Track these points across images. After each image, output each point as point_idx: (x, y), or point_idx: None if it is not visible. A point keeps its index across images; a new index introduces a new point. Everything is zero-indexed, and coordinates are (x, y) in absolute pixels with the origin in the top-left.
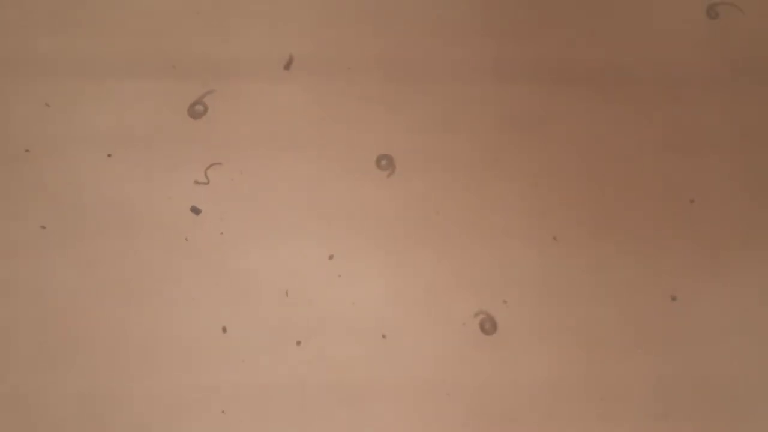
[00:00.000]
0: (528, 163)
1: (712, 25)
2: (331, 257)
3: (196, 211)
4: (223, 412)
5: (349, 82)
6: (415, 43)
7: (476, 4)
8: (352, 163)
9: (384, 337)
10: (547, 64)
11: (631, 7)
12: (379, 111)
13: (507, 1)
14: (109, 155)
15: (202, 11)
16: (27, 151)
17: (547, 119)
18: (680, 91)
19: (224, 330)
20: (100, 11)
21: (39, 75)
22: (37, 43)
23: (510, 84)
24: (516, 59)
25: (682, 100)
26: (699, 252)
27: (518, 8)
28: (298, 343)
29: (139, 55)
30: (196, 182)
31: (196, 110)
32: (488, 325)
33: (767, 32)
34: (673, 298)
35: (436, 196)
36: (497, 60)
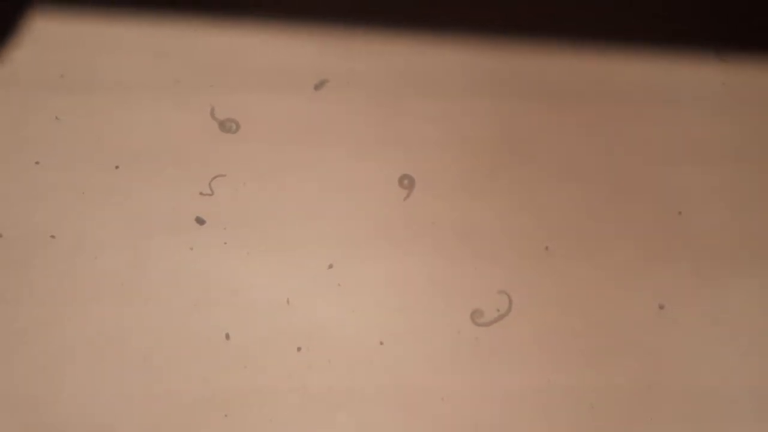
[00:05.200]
0: (520, 175)
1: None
2: (330, 266)
3: (200, 221)
4: (225, 416)
5: (349, 97)
6: (411, 58)
7: (476, 21)
8: (350, 175)
9: (382, 343)
10: (540, 79)
11: (625, 25)
12: (377, 125)
13: (506, 17)
14: (117, 167)
15: (206, 26)
16: (37, 163)
17: (538, 134)
18: (669, 106)
19: (227, 336)
20: (108, 26)
21: (49, 89)
22: (47, 58)
23: (504, 99)
24: (510, 75)
25: (670, 114)
26: (686, 262)
27: (516, 26)
28: (299, 349)
29: (145, 69)
30: (201, 193)
31: (228, 126)
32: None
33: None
34: (661, 307)
35: (433, 207)
36: (491, 75)
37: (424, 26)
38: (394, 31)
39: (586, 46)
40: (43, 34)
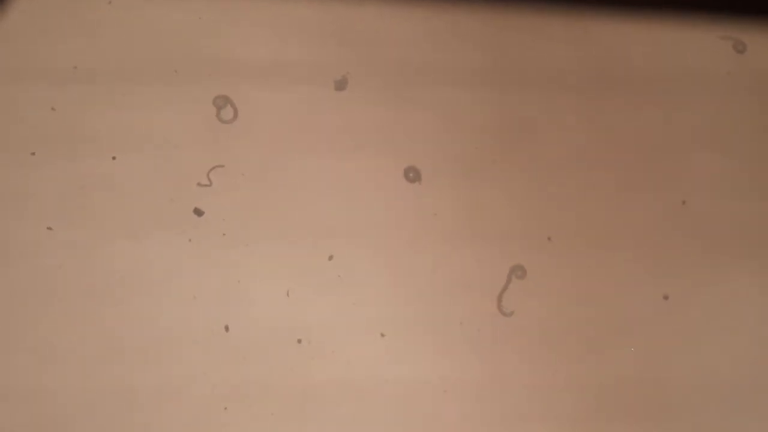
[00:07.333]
0: (523, 165)
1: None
2: (330, 258)
3: (198, 212)
4: (225, 408)
5: (351, 87)
6: (412, 50)
7: (471, 12)
8: (350, 165)
9: (383, 335)
10: (541, 68)
11: (623, 13)
12: (375, 116)
13: (504, 9)
14: (114, 158)
15: (204, 17)
16: (33, 154)
17: (542, 122)
18: (672, 93)
19: (227, 329)
20: (104, 17)
21: (45, 80)
22: (43, 48)
23: (506, 88)
24: (511, 64)
25: (674, 102)
26: (691, 252)
27: (514, 15)
28: (299, 341)
29: (141, 60)
30: (199, 184)
31: (226, 116)
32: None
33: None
34: (666, 297)
35: (434, 198)
36: (493, 65)
37: (423, 16)
38: (394, 25)
39: (589, 32)
40: (38, 24)
